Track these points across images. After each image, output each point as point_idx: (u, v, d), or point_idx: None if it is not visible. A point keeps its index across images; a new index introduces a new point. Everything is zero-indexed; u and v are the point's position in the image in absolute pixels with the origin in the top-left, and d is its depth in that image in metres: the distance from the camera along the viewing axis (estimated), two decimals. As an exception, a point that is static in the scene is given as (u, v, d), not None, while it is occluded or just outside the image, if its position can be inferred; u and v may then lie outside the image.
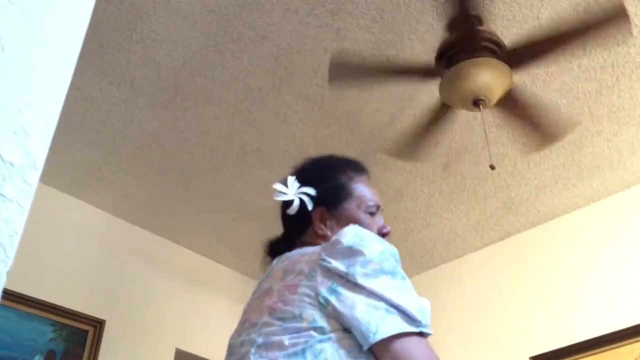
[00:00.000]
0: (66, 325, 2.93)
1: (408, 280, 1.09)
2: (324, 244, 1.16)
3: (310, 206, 1.27)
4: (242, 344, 1.13)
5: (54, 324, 2.89)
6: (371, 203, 1.31)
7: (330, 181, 1.31)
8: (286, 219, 1.32)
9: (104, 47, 2.46)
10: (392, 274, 1.07)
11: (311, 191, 1.28)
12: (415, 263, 3.72)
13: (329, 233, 1.25)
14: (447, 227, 3.45)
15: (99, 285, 3.18)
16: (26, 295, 2.82)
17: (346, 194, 1.30)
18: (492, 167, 2.34)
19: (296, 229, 1.30)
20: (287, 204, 1.28)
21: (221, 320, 3.35)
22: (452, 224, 3.42)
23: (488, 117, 2.56)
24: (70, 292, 3.01)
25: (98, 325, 3.02)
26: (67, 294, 2.98)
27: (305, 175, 1.32)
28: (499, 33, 2.33)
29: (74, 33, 0.77)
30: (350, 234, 1.11)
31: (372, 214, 1.30)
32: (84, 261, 3.16)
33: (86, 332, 2.99)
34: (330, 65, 2.44)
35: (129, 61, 2.53)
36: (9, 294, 2.75)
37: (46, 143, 0.70)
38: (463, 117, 2.74)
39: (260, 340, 1.08)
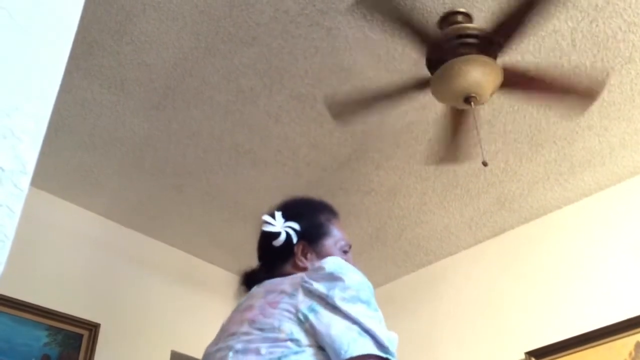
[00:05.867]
0: (61, 329, 2.91)
1: (380, 313, 1.18)
2: (307, 270, 1.27)
3: (295, 239, 1.39)
4: (218, 350, 1.22)
5: (48, 328, 2.88)
6: (343, 242, 1.46)
7: (312, 219, 1.46)
8: (268, 249, 1.42)
9: (94, 49, 2.45)
10: (367, 303, 1.16)
11: (296, 226, 1.41)
12: (409, 261, 3.73)
13: (308, 265, 1.37)
14: (441, 224, 3.45)
15: (93, 288, 3.17)
16: (20, 300, 2.81)
17: (325, 232, 1.45)
18: (484, 164, 2.34)
19: (277, 260, 1.41)
20: (273, 236, 1.39)
21: (216, 321, 3.29)
22: (446, 221, 3.43)
23: (479, 113, 2.56)
24: (65, 296, 2.99)
25: (93, 328, 3.01)
26: (61, 298, 2.97)
27: (289, 211, 1.45)
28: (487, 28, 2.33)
29: (62, 35, 0.77)
30: (332, 262, 1.22)
31: (345, 252, 1.44)
32: (78, 265, 3.14)
33: (81, 336, 2.97)
34: (327, 107, 2.59)
35: (120, 63, 2.52)
36: (2, 299, 2.74)
37: (36, 147, 0.70)
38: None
39: (239, 346, 1.16)
